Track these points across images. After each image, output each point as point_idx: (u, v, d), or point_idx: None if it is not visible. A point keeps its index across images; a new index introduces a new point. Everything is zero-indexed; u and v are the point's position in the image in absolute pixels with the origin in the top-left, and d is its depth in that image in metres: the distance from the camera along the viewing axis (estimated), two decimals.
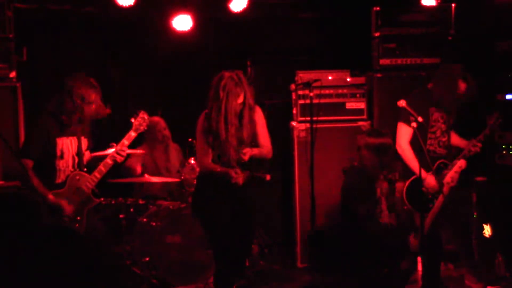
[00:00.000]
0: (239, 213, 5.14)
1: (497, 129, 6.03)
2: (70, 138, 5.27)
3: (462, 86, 5.78)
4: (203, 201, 5.20)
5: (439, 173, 5.67)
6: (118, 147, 5.31)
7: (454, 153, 5.92)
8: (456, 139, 6.00)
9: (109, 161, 5.27)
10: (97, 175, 5.27)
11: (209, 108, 5.15)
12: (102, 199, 5.80)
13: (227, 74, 5.13)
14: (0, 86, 6.30)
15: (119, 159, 5.31)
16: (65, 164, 5.24)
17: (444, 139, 5.83)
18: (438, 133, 5.79)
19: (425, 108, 5.67)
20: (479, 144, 5.84)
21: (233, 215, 5.11)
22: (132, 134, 5.37)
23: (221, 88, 5.08)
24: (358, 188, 5.79)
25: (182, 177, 6.61)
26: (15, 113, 6.29)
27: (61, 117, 5.19)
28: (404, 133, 5.66)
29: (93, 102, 5.25)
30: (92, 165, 5.39)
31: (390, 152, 5.77)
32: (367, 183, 5.82)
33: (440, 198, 5.59)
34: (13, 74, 6.32)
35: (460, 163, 5.75)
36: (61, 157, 5.22)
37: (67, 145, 5.25)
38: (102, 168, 5.27)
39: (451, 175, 5.70)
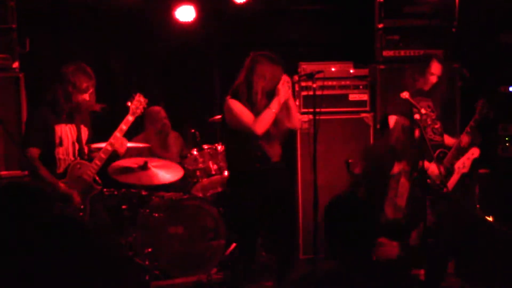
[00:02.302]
0: (273, 208, 5.12)
1: (486, 115, 6.00)
2: (69, 125, 5.27)
3: (436, 66, 5.83)
4: (235, 200, 5.18)
5: (440, 162, 5.68)
6: (116, 133, 5.30)
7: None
8: (450, 140, 6.00)
9: (108, 147, 5.27)
10: (97, 162, 5.26)
11: (241, 88, 5.09)
12: (104, 190, 5.81)
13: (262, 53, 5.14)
14: (3, 76, 6.29)
15: (117, 146, 5.29)
16: (65, 152, 5.24)
17: (437, 126, 5.86)
18: (429, 121, 5.80)
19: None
20: (470, 131, 5.86)
21: (267, 210, 5.10)
22: (130, 118, 5.33)
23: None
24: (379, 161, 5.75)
25: (185, 168, 6.60)
26: (18, 103, 6.28)
27: (56, 105, 5.20)
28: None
29: (85, 90, 5.23)
30: (92, 156, 5.40)
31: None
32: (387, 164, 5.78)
33: (453, 179, 5.60)
34: (16, 65, 6.31)
35: (473, 150, 5.78)
36: (60, 144, 5.21)
37: (66, 132, 5.24)
38: (102, 155, 5.26)
39: (463, 161, 5.72)
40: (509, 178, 6.47)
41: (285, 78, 5.06)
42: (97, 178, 5.34)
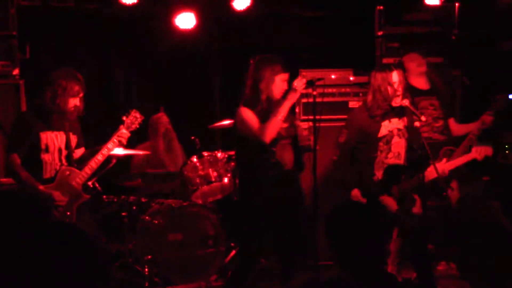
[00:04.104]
0: (283, 217, 5.10)
1: (502, 108, 5.92)
2: (56, 132, 5.23)
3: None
4: (246, 208, 5.15)
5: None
6: (109, 144, 5.29)
7: (460, 138, 5.92)
8: (457, 128, 5.99)
9: (99, 157, 5.25)
10: (87, 171, 5.24)
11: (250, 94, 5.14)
12: (104, 197, 5.81)
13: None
14: (3, 83, 6.30)
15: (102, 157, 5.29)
16: (51, 157, 5.21)
17: (438, 125, 5.86)
18: (430, 119, 5.80)
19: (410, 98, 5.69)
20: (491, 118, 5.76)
21: (276, 219, 5.08)
22: (123, 131, 5.32)
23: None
24: None
25: (184, 175, 6.59)
26: (18, 110, 6.28)
27: (43, 110, 5.18)
28: None
29: (76, 95, 5.20)
30: (86, 161, 5.39)
31: None
32: None
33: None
34: (16, 72, 6.32)
35: (485, 118, 5.67)
36: (46, 150, 5.19)
37: (52, 139, 5.20)
38: (92, 164, 5.24)
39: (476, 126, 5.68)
40: (508, 185, 6.46)
41: (303, 76, 5.10)
42: (97, 185, 5.33)
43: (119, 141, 5.32)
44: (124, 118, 5.39)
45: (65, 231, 2.53)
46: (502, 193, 6.46)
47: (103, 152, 5.27)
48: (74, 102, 5.22)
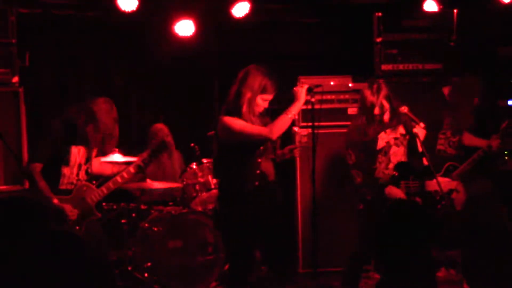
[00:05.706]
0: (269, 226, 5.04)
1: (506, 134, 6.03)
2: (79, 147, 5.29)
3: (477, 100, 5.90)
4: (233, 219, 5.01)
5: (447, 176, 5.67)
6: (131, 168, 5.43)
7: (464, 155, 5.95)
8: (470, 139, 6.01)
9: (118, 179, 5.35)
10: (104, 190, 5.35)
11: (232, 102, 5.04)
12: (103, 204, 5.82)
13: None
14: (2, 91, 6.31)
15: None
16: (70, 171, 5.27)
17: (454, 140, 5.88)
18: (449, 133, 5.82)
19: (438, 110, 5.71)
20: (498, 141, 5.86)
21: (263, 228, 5.02)
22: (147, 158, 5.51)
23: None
24: None
25: (184, 182, 6.60)
26: (17, 118, 6.30)
27: (72, 125, 5.24)
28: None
29: (112, 129, 5.35)
30: (101, 175, 5.47)
31: None
32: None
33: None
34: (15, 79, 6.34)
35: (492, 142, 5.85)
36: (67, 163, 5.24)
37: (75, 154, 5.27)
38: (110, 185, 5.36)
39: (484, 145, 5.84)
40: (508, 191, 6.46)
41: (303, 83, 5.07)
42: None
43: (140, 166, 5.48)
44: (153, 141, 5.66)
45: (65, 241, 2.54)
46: (501, 199, 6.46)
47: (124, 175, 5.39)
48: (110, 135, 5.37)
